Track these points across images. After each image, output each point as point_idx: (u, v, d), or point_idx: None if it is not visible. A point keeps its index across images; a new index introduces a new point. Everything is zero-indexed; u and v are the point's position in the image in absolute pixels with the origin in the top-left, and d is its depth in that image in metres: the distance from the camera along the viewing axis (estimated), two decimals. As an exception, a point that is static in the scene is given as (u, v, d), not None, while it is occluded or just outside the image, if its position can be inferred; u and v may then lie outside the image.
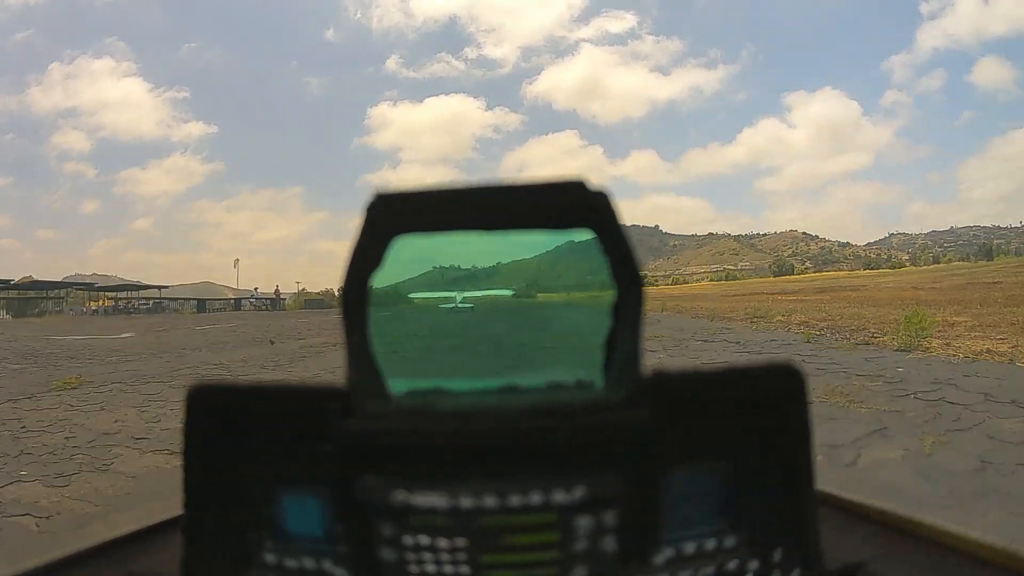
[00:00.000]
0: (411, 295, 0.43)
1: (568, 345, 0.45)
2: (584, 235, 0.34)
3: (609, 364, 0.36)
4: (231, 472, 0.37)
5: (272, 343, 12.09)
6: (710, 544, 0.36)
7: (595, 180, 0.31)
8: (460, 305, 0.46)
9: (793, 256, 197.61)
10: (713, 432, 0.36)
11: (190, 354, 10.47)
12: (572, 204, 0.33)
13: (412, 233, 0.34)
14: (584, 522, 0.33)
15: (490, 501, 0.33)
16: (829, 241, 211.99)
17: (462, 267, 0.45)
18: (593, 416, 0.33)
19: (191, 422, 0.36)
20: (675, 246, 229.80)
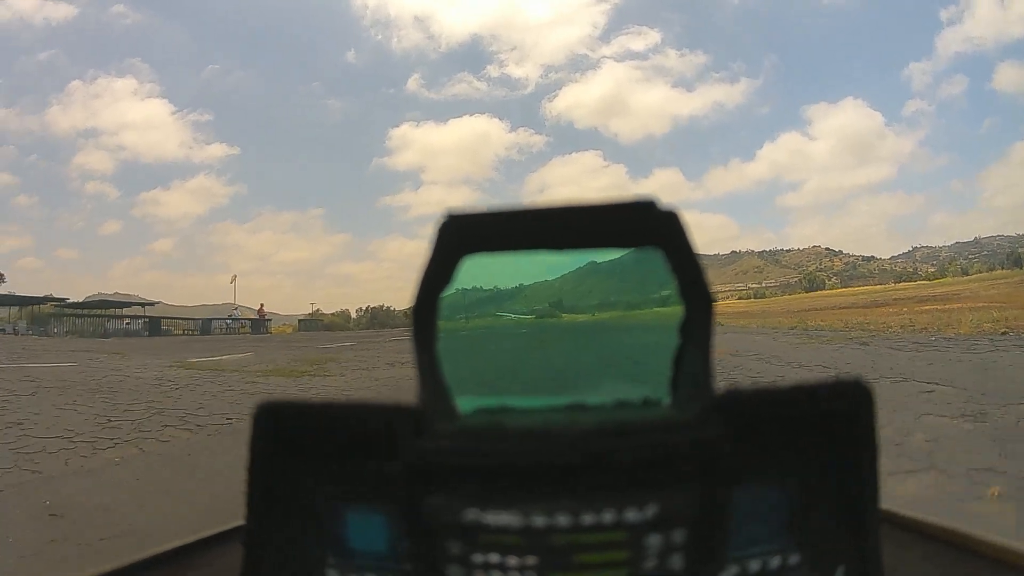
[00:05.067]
0: (499, 313, 0.46)
1: (632, 364, 0.45)
2: (616, 254, 0.36)
3: (679, 382, 0.37)
4: (295, 487, 0.37)
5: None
6: (775, 562, 0.36)
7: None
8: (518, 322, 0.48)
9: (819, 271, 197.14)
10: (781, 449, 0.36)
11: None
12: (642, 223, 0.34)
13: (481, 252, 0.35)
14: (654, 540, 0.33)
15: (563, 519, 0.33)
16: (853, 256, 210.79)
17: (484, 288, 0.45)
18: (665, 434, 0.34)
19: (257, 437, 0.36)
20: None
